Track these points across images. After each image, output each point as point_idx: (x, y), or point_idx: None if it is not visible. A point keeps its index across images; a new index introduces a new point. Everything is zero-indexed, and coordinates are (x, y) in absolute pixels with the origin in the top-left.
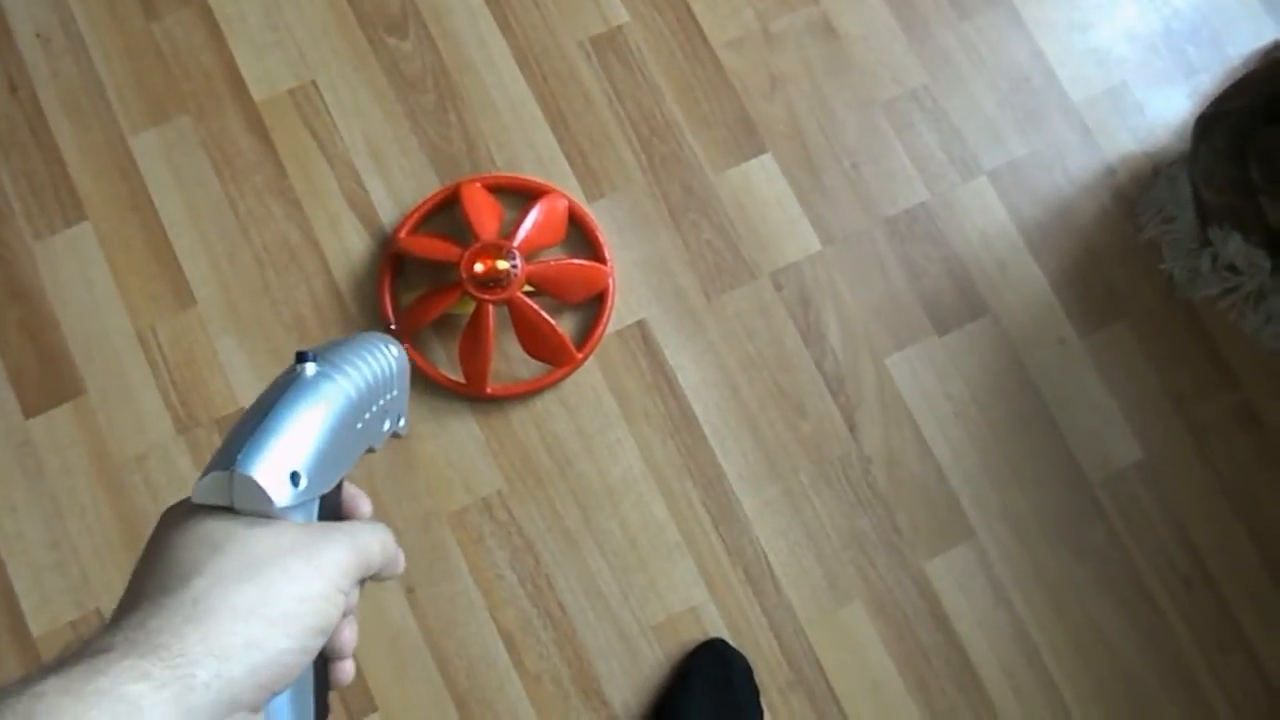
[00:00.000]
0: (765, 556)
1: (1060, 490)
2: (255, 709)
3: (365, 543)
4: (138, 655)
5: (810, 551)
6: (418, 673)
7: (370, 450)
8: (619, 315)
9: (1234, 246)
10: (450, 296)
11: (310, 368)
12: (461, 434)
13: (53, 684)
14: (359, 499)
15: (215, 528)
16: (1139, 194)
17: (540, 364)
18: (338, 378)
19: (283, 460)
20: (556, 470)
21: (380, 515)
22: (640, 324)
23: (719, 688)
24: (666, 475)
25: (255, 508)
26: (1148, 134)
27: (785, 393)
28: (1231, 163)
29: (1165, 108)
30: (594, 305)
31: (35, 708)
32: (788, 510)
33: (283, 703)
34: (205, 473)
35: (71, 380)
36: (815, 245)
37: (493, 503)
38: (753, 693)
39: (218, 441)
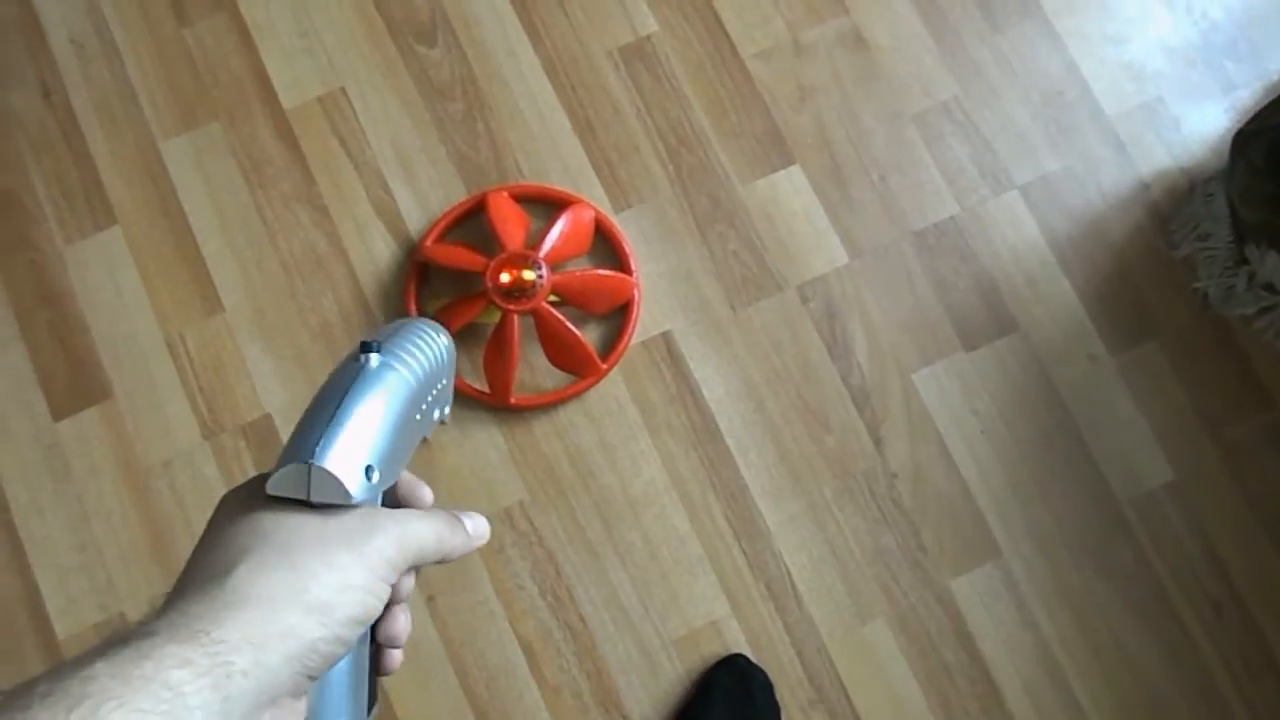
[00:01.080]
0: (788, 572)
1: (1088, 509)
2: (296, 695)
3: (416, 531)
4: (179, 641)
5: (833, 567)
6: (437, 682)
7: (424, 440)
8: (644, 326)
9: (1271, 265)
10: (476, 306)
11: (375, 358)
12: (485, 443)
13: (101, 668)
14: (417, 487)
15: (266, 516)
16: (1174, 210)
17: (564, 374)
18: (400, 368)
19: (357, 453)
20: (579, 481)
21: None
22: (665, 335)
23: (740, 703)
24: (689, 488)
25: (331, 500)
26: (1183, 150)
27: (810, 407)
28: (1269, 180)
29: (1202, 123)
30: (619, 316)
31: (86, 689)
32: (811, 525)
33: (331, 689)
34: (280, 464)
35: (100, 384)
36: (843, 258)
37: (514, 513)
38: (774, 709)
39: (244, 448)
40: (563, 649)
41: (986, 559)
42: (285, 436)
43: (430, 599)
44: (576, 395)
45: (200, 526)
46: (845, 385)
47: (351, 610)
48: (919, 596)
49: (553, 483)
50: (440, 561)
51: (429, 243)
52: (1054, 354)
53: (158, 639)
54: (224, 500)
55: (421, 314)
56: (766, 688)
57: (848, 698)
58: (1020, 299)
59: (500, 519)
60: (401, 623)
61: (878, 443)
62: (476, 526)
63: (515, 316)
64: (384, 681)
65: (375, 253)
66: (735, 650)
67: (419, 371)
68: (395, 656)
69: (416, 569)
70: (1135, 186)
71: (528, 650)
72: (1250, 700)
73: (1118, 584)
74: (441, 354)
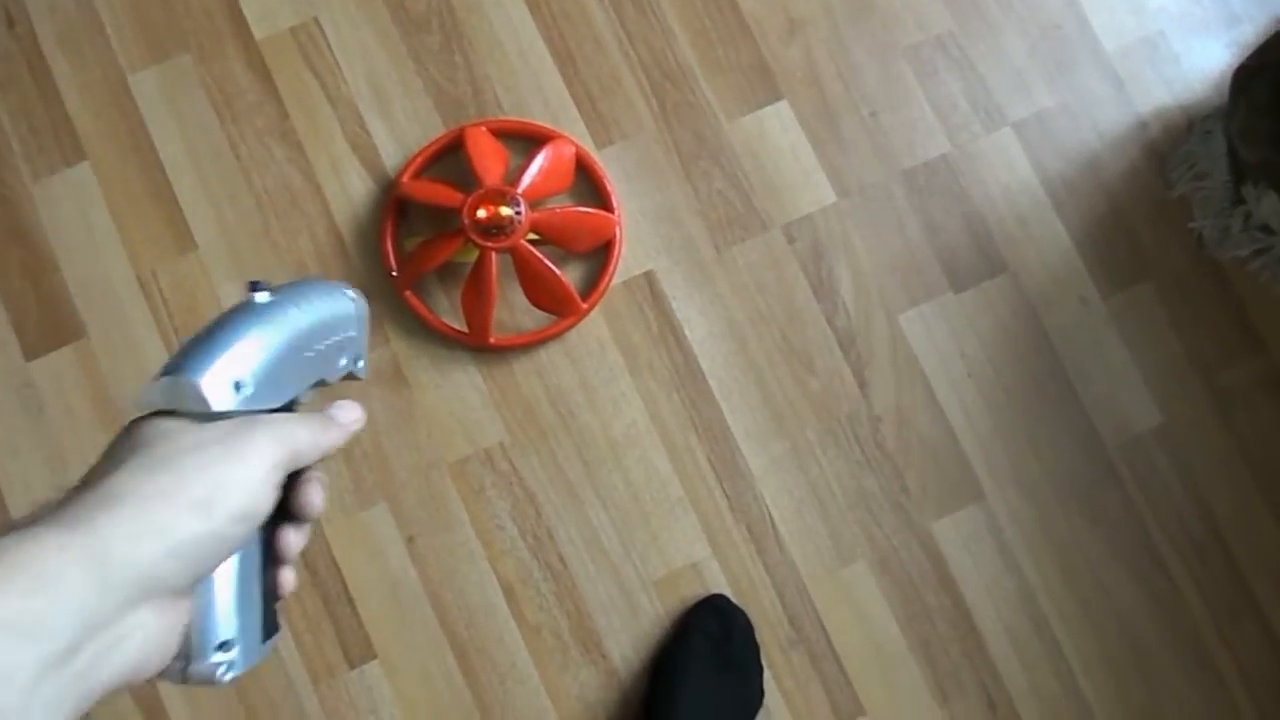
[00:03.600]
0: (769, 514)
1: (1075, 454)
2: (179, 593)
3: (290, 430)
4: (58, 531)
5: (815, 510)
6: (417, 621)
7: (323, 383)
8: (626, 266)
9: (1268, 205)
10: (453, 244)
11: (262, 295)
12: (464, 384)
13: None
14: (337, 409)
15: (145, 428)
16: (1171, 149)
17: (544, 314)
18: (288, 307)
19: (226, 369)
20: (559, 422)
21: (380, 464)
22: (647, 275)
23: (719, 643)
24: (671, 430)
25: (195, 409)
26: (1183, 86)
27: (794, 348)
28: (1271, 118)
29: (1203, 58)
30: (600, 255)
31: None
32: (793, 467)
33: (215, 594)
34: (153, 379)
35: (72, 323)
36: (830, 197)
37: (494, 454)
38: (753, 649)
39: None
40: (543, 589)
41: (970, 502)
42: None
43: (410, 539)
44: (557, 335)
45: None
46: (830, 327)
47: (231, 506)
48: (901, 539)
49: (533, 424)
50: (322, 457)
51: (405, 179)
52: (1044, 296)
53: (38, 529)
54: (124, 427)
55: (399, 252)
56: (746, 628)
57: (828, 639)
58: (1011, 240)
59: (480, 460)
60: (292, 539)
61: (862, 385)
62: (346, 414)
63: (493, 254)
64: (364, 621)
65: (351, 189)
66: (715, 591)
67: (310, 314)
68: (287, 576)
69: (309, 473)
70: (1132, 124)
71: (508, 590)
72: (1232, 645)
73: (1103, 529)
74: (345, 306)
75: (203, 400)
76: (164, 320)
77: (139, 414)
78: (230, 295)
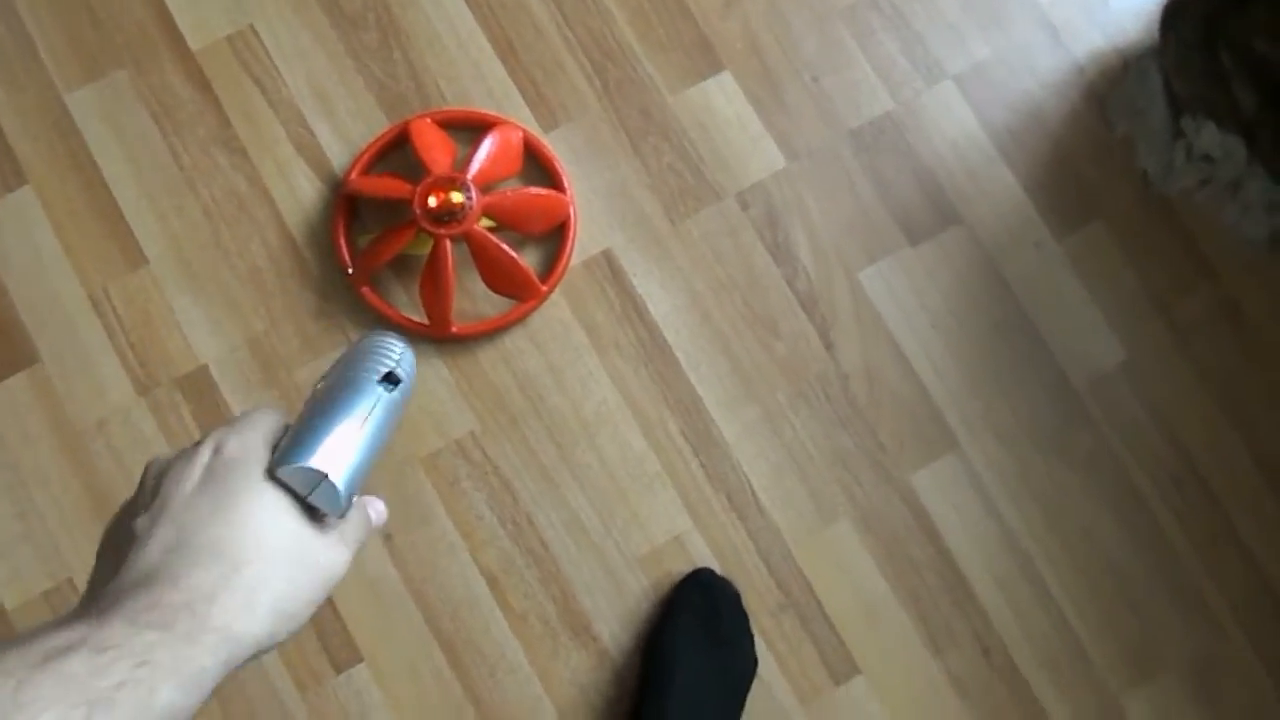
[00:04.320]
0: (747, 480)
1: (1045, 397)
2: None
3: (356, 539)
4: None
5: (793, 472)
6: (402, 620)
7: None
8: (583, 246)
9: (1208, 136)
10: (406, 235)
11: (398, 390)
12: (430, 376)
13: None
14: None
15: (279, 517)
16: (1109, 91)
17: (505, 300)
18: (403, 401)
19: (357, 478)
20: (529, 407)
21: None
22: (605, 253)
23: (708, 617)
24: (642, 405)
25: (321, 507)
26: (1116, 29)
27: (758, 314)
28: (1200, 52)
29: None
30: (556, 237)
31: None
32: (767, 432)
33: None
34: (294, 457)
35: (25, 348)
36: (780, 162)
37: (466, 444)
38: (742, 619)
39: (181, 401)
40: (526, 576)
41: (946, 452)
42: (223, 387)
43: (388, 537)
44: (519, 320)
45: None
46: (791, 290)
47: (313, 609)
48: (881, 495)
49: (503, 410)
50: None
51: (354, 176)
52: (1000, 244)
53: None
54: (238, 470)
55: (352, 250)
56: (734, 598)
57: (817, 601)
58: (962, 191)
59: (453, 451)
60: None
61: (828, 345)
62: (377, 510)
63: (447, 242)
64: (348, 625)
65: (300, 192)
66: (700, 564)
67: (408, 398)
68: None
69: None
70: (1070, 70)
71: (491, 580)
72: (1215, 572)
73: (1079, 468)
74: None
75: (337, 509)
76: (119, 337)
77: (262, 469)
78: (185, 307)
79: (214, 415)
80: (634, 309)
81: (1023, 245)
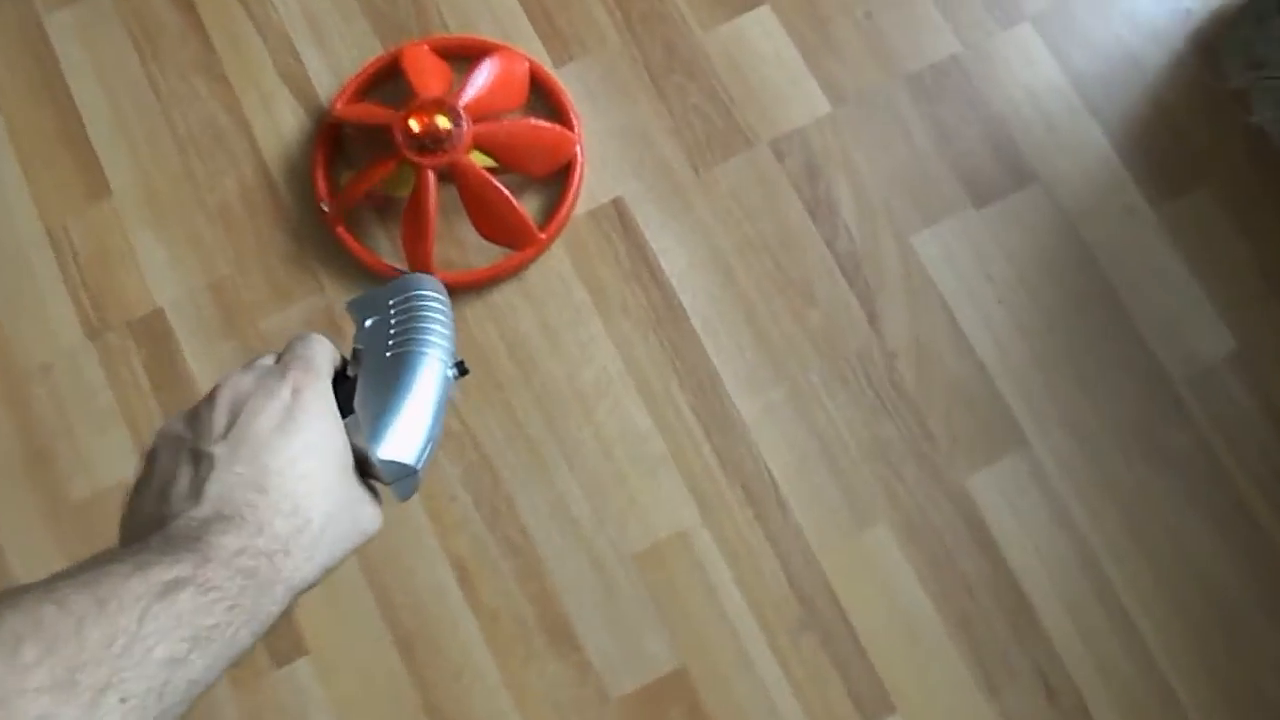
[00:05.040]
0: (768, 471)
1: (1134, 389)
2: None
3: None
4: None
5: (823, 464)
6: (354, 611)
7: None
8: (591, 193)
9: None
10: (386, 166)
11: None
12: None
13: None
14: None
15: (346, 477)
16: (1221, 36)
17: (499, 252)
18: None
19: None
20: (518, 373)
21: None
22: (616, 202)
23: None
24: (649, 377)
25: (393, 493)
26: None
27: (790, 278)
28: None
29: None
30: (560, 181)
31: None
32: (795, 416)
33: None
34: (392, 446)
35: None
36: (824, 107)
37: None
38: None
39: (132, 347)
40: (502, 568)
41: (1009, 450)
42: (179, 332)
43: None
44: (512, 272)
45: (85, 438)
46: (831, 251)
47: (321, 581)
48: (928, 496)
49: (488, 375)
50: None
51: (339, 105)
52: (1083, 208)
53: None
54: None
55: (332, 186)
56: None
57: (845, 618)
58: (1039, 147)
59: None
60: None
61: (872, 317)
62: None
63: (430, 173)
64: (292, 613)
65: (282, 124)
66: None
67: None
68: None
69: None
70: (1174, 12)
71: (461, 571)
72: None
73: (1173, 473)
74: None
75: (405, 498)
76: (73, 276)
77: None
78: (146, 244)
79: (167, 366)
80: (645, 266)
81: (1111, 210)
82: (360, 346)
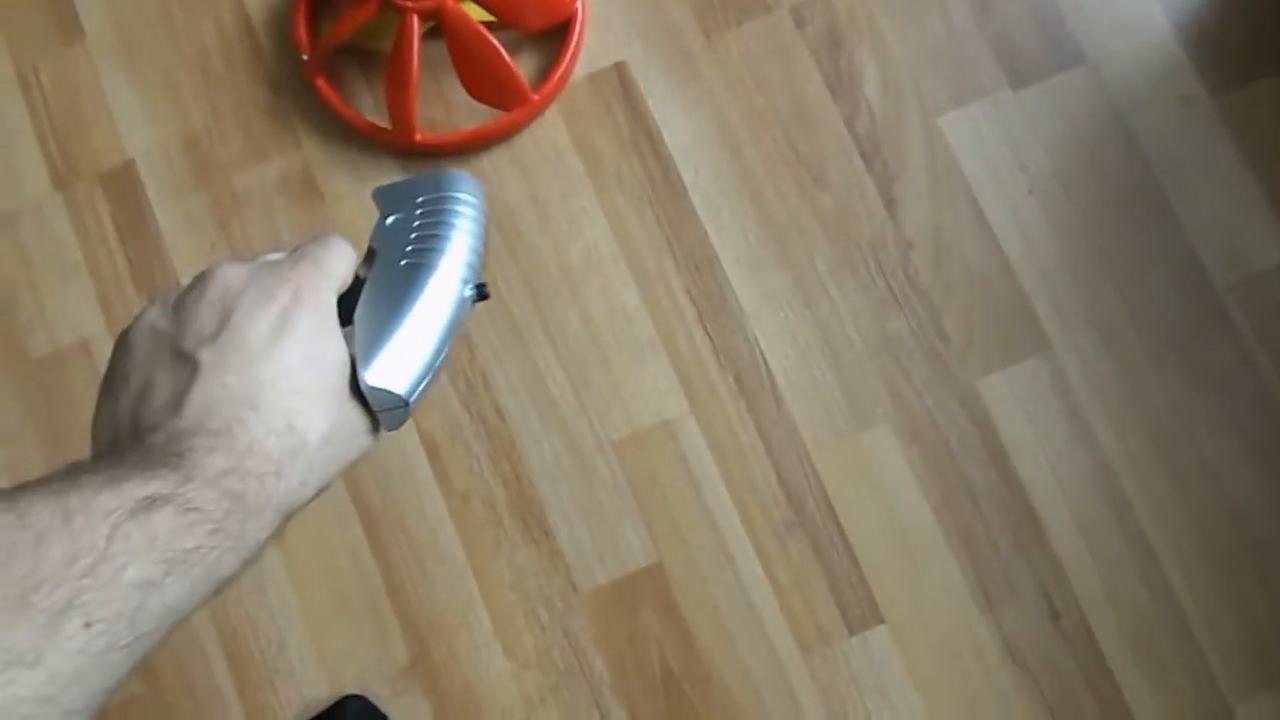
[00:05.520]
0: (764, 361)
1: (1173, 294)
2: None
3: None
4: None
5: (824, 358)
6: None
7: None
8: (591, 55)
9: None
10: (368, 8)
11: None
12: None
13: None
14: None
15: (342, 397)
16: None
17: (489, 112)
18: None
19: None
20: (503, 245)
21: None
22: (618, 67)
23: None
24: (642, 255)
25: (383, 418)
26: None
27: (802, 156)
28: None
29: None
30: (558, 39)
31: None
32: (797, 304)
33: None
34: (381, 372)
35: None
36: None
37: None
38: None
39: (100, 199)
40: (474, 448)
41: (1029, 353)
42: (149, 185)
43: None
44: (501, 136)
45: (49, 292)
46: (849, 130)
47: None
48: (936, 398)
49: None
50: None
51: None
52: (1134, 94)
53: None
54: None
55: (313, 35)
56: None
57: (836, 521)
58: (1089, 24)
59: None
60: None
61: (889, 203)
62: None
63: (414, 18)
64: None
65: None
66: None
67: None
68: None
69: None
70: None
71: (431, 449)
72: None
73: (1209, 389)
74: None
75: (394, 428)
76: (43, 121)
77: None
78: (118, 89)
79: (136, 220)
80: (646, 137)
81: (1165, 99)
82: (374, 246)
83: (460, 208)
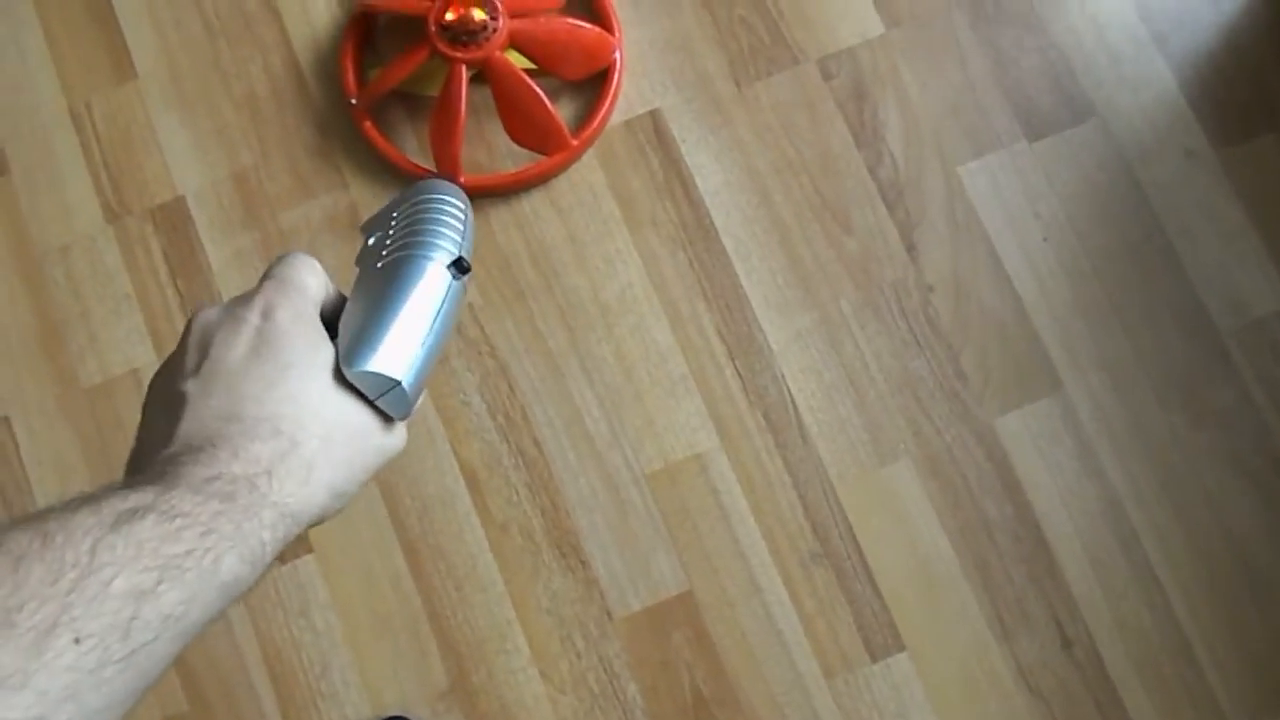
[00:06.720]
0: (791, 398)
1: (1179, 338)
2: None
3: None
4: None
5: (849, 396)
6: (361, 512)
7: None
8: (628, 102)
9: None
10: (417, 57)
11: (467, 277)
12: None
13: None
14: None
15: (336, 395)
16: None
17: (530, 158)
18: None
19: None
20: (541, 282)
21: None
22: (653, 114)
23: None
24: (674, 295)
25: (383, 408)
26: None
27: (828, 202)
28: None
29: None
30: (596, 87)
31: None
32: (823, 344)
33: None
34: (364, 357)
35: None
36: (877, 27)
37: (463, 316)
38: None
39: (151, 233)
40: (513, 479)
41: (1043, 393)
42: (199, 221)
43: None
44: (541, 179)
45: (100, 323)
46: (873, 178)
47: (339, 505)
48: (955, 435)
49: (510, 283)
50: None
51: None
52: (1142, 147)
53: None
54: (313, 356)
55: (360, 78)
56: None
57: (860, 553)
58: (1100, 79)
59: None
60: None
61: (910, 248)
62: None
63: (462, 68)
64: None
65: (313, 13)
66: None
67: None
68: None
69: None
70: None
71: (471, 479)
72: None
73: (1212, 429)
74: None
75: (402, 414)
76: (95, 157)
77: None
78: (169, 129)
79: (186, 255)
80: (679, 181)
81: (1171, 152)
82: (358, 267)
83: (431, 204)
